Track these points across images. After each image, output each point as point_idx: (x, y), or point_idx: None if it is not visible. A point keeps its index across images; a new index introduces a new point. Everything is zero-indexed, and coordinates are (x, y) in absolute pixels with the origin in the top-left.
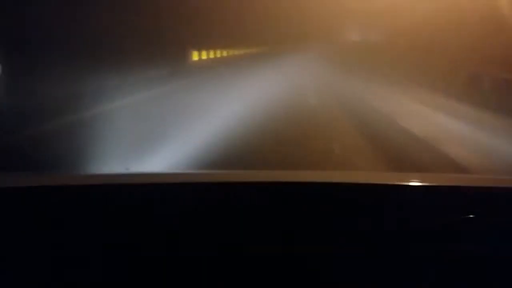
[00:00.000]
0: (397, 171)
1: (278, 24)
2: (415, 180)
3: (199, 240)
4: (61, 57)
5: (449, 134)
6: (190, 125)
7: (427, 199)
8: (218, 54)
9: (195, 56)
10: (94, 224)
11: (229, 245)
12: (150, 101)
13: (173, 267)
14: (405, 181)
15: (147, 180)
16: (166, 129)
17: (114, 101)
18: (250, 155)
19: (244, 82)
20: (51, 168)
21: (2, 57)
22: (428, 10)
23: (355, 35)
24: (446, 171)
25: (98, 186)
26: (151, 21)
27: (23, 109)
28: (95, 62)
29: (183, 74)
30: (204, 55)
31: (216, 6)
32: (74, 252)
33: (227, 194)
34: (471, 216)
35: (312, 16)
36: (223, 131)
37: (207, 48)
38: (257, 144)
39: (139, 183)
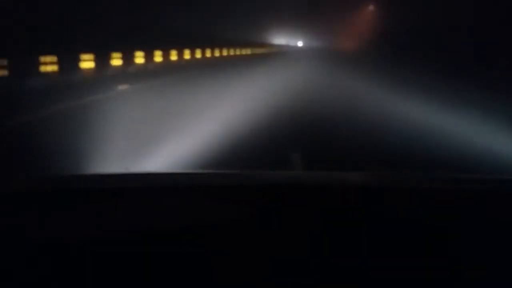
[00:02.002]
0: None
1: None
2: (412, 181)
3: (199, 240)
4: None
5: None
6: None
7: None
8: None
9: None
10: (94, 224)
11: (228, 245)
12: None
13: (174, 266)
14: (403, 182)
15: (147, 180)
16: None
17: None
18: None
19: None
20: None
21: None
22: None
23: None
24: None
25: (97, 186)
26: None
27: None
28: None
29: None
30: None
31: None
32: (74, 252)
33: (227, 194)
34: (470, 216)
35: None
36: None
37: None
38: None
39: (139, 183)
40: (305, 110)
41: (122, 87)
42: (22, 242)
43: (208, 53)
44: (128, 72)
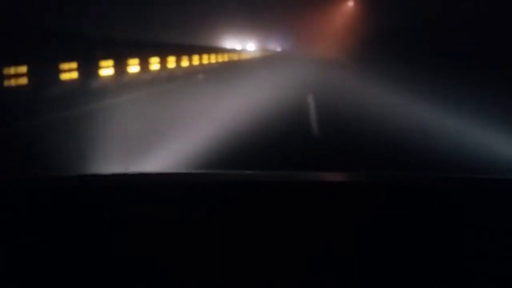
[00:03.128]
0: None
1: None
2: (410, 180)
3: (199, 239)
4: None
5: None
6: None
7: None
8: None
9: None
10: (94, 223)
11: (227, 244)
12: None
13: (173, 264)
14: (402, 182)
15: (146, 180)
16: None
17: None
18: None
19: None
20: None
21: None
22: None
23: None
24: None
25: (97, 186)
26: None
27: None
28: None
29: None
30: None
31: None
32: (73, 252)
33: (227, 194)
34: (469, 216)
35: None
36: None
37: None
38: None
39: (139, 183)
40: None
41: None
42: (22, 241)
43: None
44: None
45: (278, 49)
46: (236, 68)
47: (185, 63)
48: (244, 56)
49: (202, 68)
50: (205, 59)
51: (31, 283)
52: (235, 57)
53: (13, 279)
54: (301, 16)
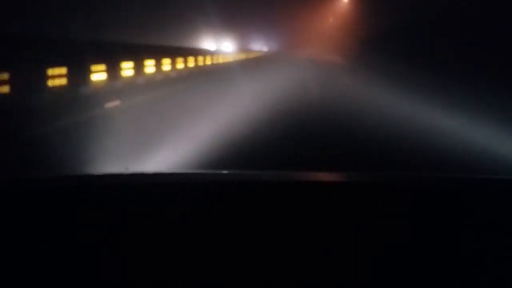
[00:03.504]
0: None
1: None
2: (409, 181)
3: (199, 239)
4: None
5: None
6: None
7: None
8: None
9: None
10: (94, 223)
11: (225, 243)
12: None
13: (174, 265)
14: (401, 182)
15: (146, 180)
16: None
17: None
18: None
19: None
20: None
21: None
22: None
23: None
24: None
25: (97, 186)
26: None
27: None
28: None
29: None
30: None
31: None
32: (74, 252)
33: (226, 193)
34: (470, 216)
35: None
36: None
37: None
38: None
39: (139, 183)
40: None
41: None
42: (22, 241)
43: None
44: None
45: (265, 49)
46: (201, 81)
47: (104, 73)
48: (220, 60)
49: (145, 81)
50: (151, 65)
51: (31, 283)
52: (207, 61)
53: (13, 279)
54: (292, 11)
